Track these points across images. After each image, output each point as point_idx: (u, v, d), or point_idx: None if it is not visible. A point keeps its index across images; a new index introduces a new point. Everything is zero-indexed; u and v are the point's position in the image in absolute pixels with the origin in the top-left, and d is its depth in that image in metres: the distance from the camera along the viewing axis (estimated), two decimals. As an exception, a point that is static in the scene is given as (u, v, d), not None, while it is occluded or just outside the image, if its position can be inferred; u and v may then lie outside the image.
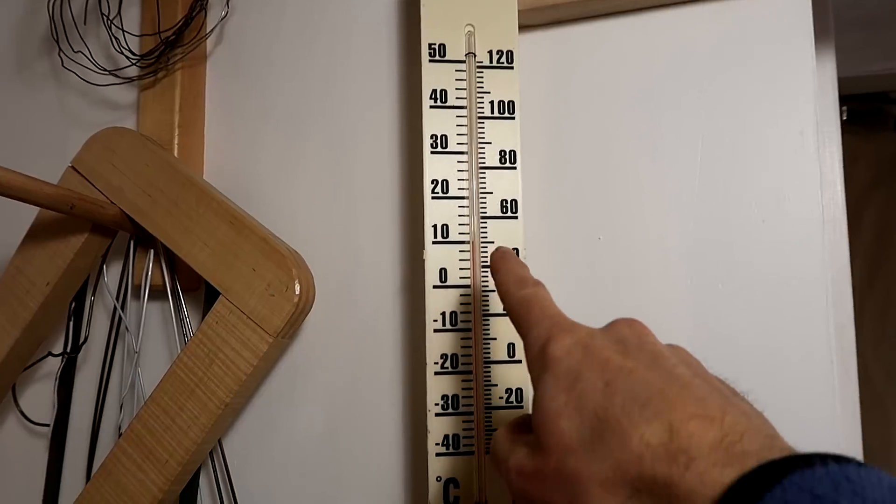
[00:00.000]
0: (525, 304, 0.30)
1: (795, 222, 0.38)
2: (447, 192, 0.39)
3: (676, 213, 0.40)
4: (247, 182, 0.47)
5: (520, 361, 0.38)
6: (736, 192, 0.39)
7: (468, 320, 0.38)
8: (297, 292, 0.39)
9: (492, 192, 0.39)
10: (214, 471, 0.44)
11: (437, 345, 0.38)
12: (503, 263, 0.33)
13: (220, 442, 0.44)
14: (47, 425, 0.47)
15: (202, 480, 0.44)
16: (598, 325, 0.41)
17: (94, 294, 0.47)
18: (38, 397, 0.49)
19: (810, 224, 0.38)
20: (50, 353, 0.47)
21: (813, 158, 0.38)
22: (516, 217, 0.39)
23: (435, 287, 0.38)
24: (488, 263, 0.38)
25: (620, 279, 0.41)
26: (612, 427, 0.22)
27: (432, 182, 0.39)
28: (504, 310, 0.32)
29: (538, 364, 0.27)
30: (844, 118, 1.04)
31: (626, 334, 0.26)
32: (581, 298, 0.41)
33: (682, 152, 0.40)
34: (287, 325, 0.39)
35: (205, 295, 0.45)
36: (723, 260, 0.39)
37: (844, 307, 0.45)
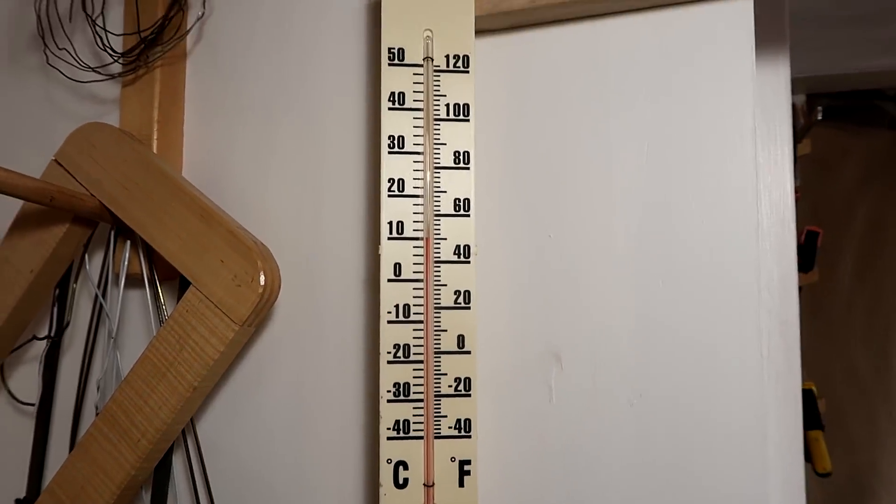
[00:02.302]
0: None
1: (731, 224, 0.40)
2: (403, 190, 0.41)
3: (622, 214, 0.42)
4: (222, 176, 0.50)
5: (468, 352, 0.40)
6: (678, 194, 0.41)
7: (420, 312, 0.40)
8: (262, 283, 0.41)
9: (446, 191, 0.41)
10: (187, 450, 0.47)
11: (391, 335, 0.40)
12: None
13: (193, 424, 0.47)
14: (33, 405, 0.50)
15: (176, 460, 0.47)
16: (550, 319, 0.43)
17: (76, 281, 0.49)
18: (26, 379, 0.52)
19: (745, 226, 0.40)
20: (35, 337, 0.49)
21: (749, 163, 0.40)
22: (468, 215, 0.41)
23: (389, 280, 0.40)
24: (440, 258, 0.40)
25: (570, 275, 0.43)
26: None
27: (389, 181, 0.41)
28: None
29: None
30: (819, 118, 1.05)
31: None
32: (533, 292, 0.43)
33: (629, 155, 0.42)
34: (252, 314, 0.42)
35: (179, 284, 0.47)
36: (665, 258, 0.41)
37: (790, 304, 0.47)
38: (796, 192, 1.08)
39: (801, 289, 1.16)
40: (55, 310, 0.49)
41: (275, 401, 0.46)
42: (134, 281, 0.49)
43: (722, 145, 0.41)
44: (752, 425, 0.39)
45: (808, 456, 1.06)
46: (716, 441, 0.40)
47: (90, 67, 0.50)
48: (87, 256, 0.49)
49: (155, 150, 0.48)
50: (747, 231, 0.40)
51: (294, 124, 0.48)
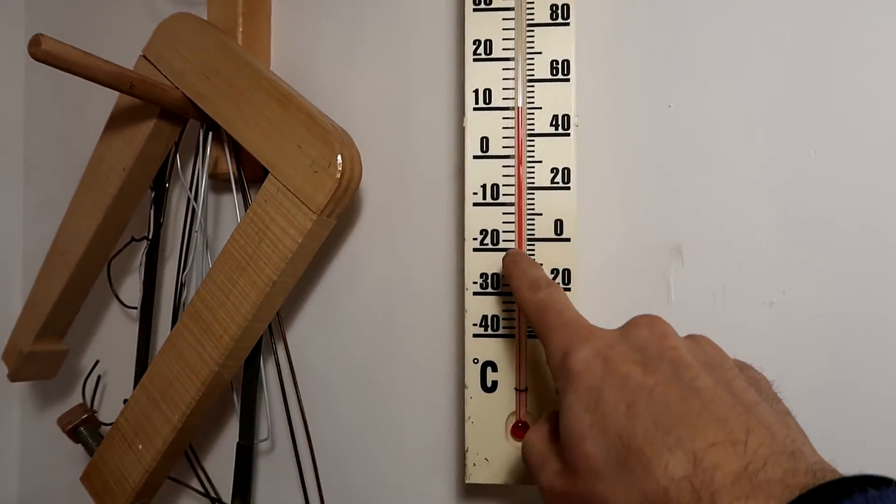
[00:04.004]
0: (541, 310, 0.29)
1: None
2: (491, 53, 0.35)
3: (761, 75, 0.34)
4: (310, 70, 0.47)
5: (567, 240, 0.34)
6: (833, 46, 0.33)
7: (511, 194, 0.35)
8: (340, 168, 0.38)
9: (541, 52, 0.35)
10: (276, 358, 0.45)
11: (477, 219, 0.35)
12: (515, 267, 0.32)
13: (283, 331, 0.45)
14: (136, 308, 0.50)
15: (268, 370, 0.46)
16: (669, 205, 0.36)
17: (168, 181, 0.48)
18: (133, 283, 0.53)
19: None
20: (133, 239, 0.49)
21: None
22: (568, 79, 0.35)
23: (475, 157, 0.35)
24: (534, 131, 0.35)
25: (695, 151, 0.35)
26: (637, 455, 0.22)
27: (475, 42, 0.35)
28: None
29: (560, 377, 0.26)
30: None
31: (646, 338, 0.26)
32: (649, 172, 0.36)
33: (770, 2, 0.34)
34: (331, 203, 0.38)
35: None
36: (815, 128, 0.33)
37: None
38: None
39: None
40: (152, 211, 0.49)
41: (364, 303, 0.43)
42: (227, 182, 0.47)
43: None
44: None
45: None
46: (879, 347, 0.32)
47: (177, -40, 0.48)
48: (178, 156, 0.48)
49: (240, 44, 0.46)
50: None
51: (381, 9, 0.43)
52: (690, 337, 0.27)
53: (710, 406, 0.23)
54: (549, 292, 0.30)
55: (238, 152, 0.46)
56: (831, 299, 0.33)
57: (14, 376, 0.50)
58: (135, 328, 0.52)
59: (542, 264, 0.34)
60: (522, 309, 0.31)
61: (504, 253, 0.34)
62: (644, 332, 0.26)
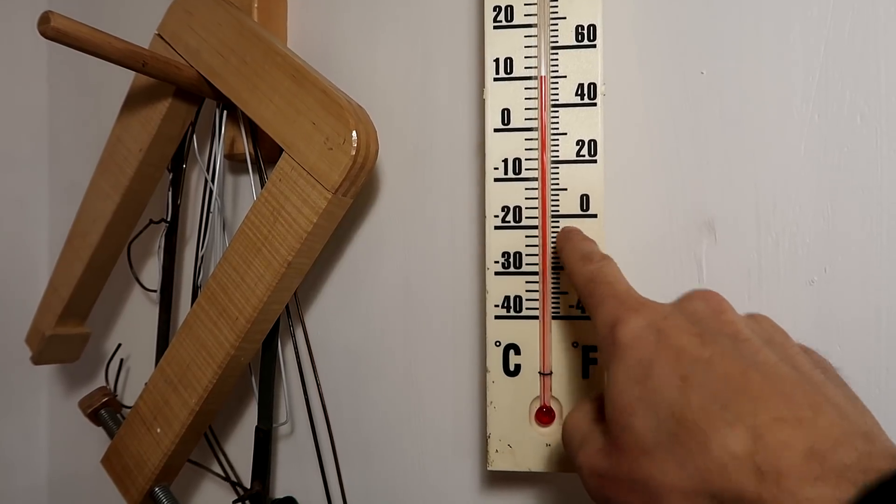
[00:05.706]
0: (591, 282, 0.28)
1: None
2: (512, 19, 0.33)
3: (800, 38, 0.32)
4: (328, 47, 0.45)
5: (594, 216, 0.33)
6: (876, 5, 0.30)
7: (534, 168, 0.33)
8: (355, 144, 0.36)
9: (565, 17, 0.33)
10: (295, 343, 0.44)
11: (498, 196, 0.33)
12: (567, 242, 0.31)
13: (301, 316, 0.44)
14: (156, 291, 0.50)
15: (286, 355, 0.45)
16: (701, 179, 0.34)
17: (185, 162, 0.48)
18: (155, 266, 0.52)
19: None
20: (151, 221, 0.49)
21: None
22: (594, 46, 0.33)
23: (496, 130, 0.33)
24: (559, 102, 0.33)
25: (730, 121, 0.33)
26: (691, 430, 0.20)
27: (495, 9, 0.33)
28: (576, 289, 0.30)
29: (607, 349, 0.25)
30: None
31: (702, 312, 0.24)
32: (679, 143, 0.34)
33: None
34: (346, 181, 0.37)
35: (282, 160, 0.44)
36: (861, 89, 0.30)
37: None
38: None
39: None
40: (170, 193, 0.48)
41: (384, 284, 0.42)
42: (244, 162, 0.46)
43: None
44: None
45: None
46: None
47: (190, -65, 0.47)
48: (194, 136, 0.47)
49: (256, 20, 0.45)
50: None
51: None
52: (749, 315, 0.25)
53: (774, 381, 0.20)
54: (602, 265, 0.28)
55: (255, 132, 0.45)
56: (877, 277, 0.30)
57: (37, 359, 0.50)
58: (156, 311, 0.51)
59: (566, 242, 0.33)
60: (573, 282, 0.29)
61: (559, 230, 0.33)
62: (700, 305, 0.24)
